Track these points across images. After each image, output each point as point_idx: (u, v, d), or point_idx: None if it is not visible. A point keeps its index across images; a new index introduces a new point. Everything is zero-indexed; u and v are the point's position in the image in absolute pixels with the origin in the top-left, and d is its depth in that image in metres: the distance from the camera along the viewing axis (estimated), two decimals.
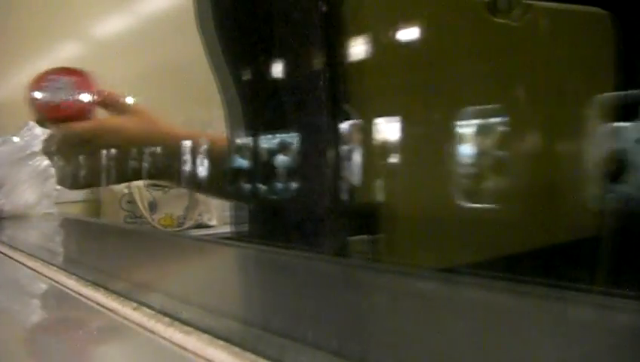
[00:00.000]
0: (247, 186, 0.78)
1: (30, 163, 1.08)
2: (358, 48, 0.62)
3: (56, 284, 0.47)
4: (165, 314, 0.33)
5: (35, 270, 0.53)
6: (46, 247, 0.77)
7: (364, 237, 0.62)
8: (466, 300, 0.37)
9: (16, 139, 1.09)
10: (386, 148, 0.64)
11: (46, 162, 1.09)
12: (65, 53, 1.40)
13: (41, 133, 1.05)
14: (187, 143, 0.85)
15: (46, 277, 0.49)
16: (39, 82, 0.82)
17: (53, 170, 1.07)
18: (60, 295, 0.45)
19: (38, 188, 1.08)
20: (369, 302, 0.38)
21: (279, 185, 0.71)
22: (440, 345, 0.28)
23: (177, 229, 1.26)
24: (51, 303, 0.46)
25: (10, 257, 0.62)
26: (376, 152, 0.64)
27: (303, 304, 0.38)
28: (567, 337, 0.29)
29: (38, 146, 1.06)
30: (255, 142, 0.76)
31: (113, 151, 0.85)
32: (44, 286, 0.49)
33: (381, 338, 0.31)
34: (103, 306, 0.38)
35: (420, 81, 0.63)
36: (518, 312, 0.34)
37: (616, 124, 0.60)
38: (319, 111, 0.63)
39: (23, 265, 0.56)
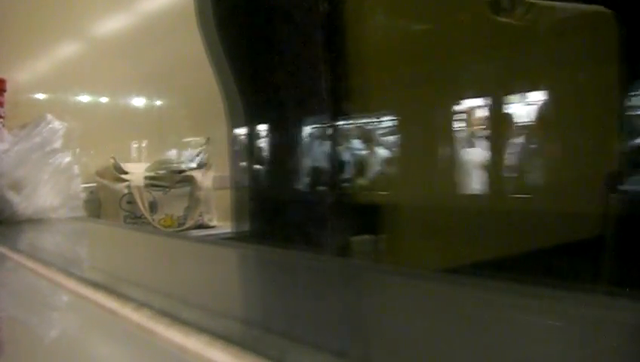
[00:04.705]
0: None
1: (51, 161, 0.97)
2: (358, 46, 0.62)
3: (55, 285, 0.46)
4: (165, 315, 0.33)
5: (46, 277, 0.53)
6: (61, 253, 0.76)
7: (366, 236, 0.62)
8: (468, 300, 0.37)
9: (58, 124, 0.97)
10: (388, 146, 0.63)
11: (67, 159, 0.99)
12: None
13: (60, 126, 0.98)
14: None
15: (46, 279, 0.49)
16: None
17: (76, 168, 1.00)
18: (60, 296, 0.45)
19: (61, 189, 0.97)
20: (370, 302, 0.38)
21: (279, 183, 0.71)
22: (440, 346, 0.28)
23: (178, 230, 1.26)
24: (52, 305, 0.46)
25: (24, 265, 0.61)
26: (378, 150, 0.64)
27: (303, 304, 0.37)
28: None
29: (58, 142, 0.97)
30: (255, 137, 0.75)
31: None
32: (46, 290, 0.49)
33: (381, 339, 0.30)
34: (103, 307, 0.38)
35: (422, 78, 0.63)
36: (513, 308, 0.33)
37: None
38: (319, 108, 0.62)
39: (35, 272, 0.56)
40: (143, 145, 1.48)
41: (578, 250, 0.59)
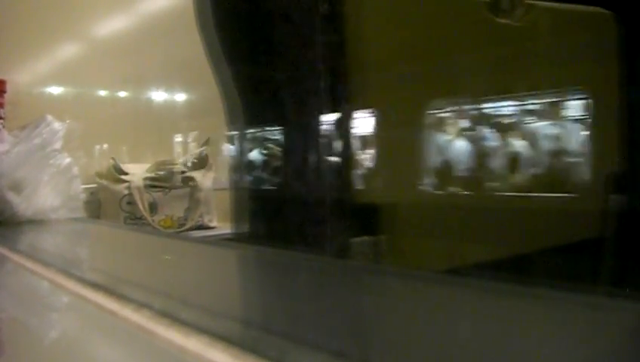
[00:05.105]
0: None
1: (51, 162, 0.96)
2: (358, 47, 0.62)
3: (55, 285, 0.46)
4: (165, 316, 0.33)
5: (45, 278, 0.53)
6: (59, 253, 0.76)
7: (366, 238, 0.62)
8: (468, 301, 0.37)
9: (58, 125, 0.97)
10: (388, 145, 0.63)
11: (67, 160, 0.99)
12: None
13: (60, 127, 0.98)
14: None
15: (45, 279, 0.49)
16: None
17: (76, 169, 1.00)
18: (60, 296, 0.45)
19: (62, 190, 0.97)
20: (370, 304, 0.38)
21: (278, 183, 0.70)
22: (440, 347, 0.28)
23: (178, 230, 1.26)
24: (52, 305, 0.46)
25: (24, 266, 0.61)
26: (379, 150, 0.64)
27: (303, 305, 0.37)
28: None
29: (58, 143, 0.97)
30: (254, 138, 0.75)
31: None
32: (46, 291, 0.49)
33: (381, 340, 0.30)
34: (103, 308, 0.38)
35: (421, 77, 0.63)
36: (510, 313, 0.33)
37: None
38: (319, 109, 0.62)
39: (32, 271, 0.56)
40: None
41: None
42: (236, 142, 0.82)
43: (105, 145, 1.37)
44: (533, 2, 0.67)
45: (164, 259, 0.63)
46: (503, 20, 0.64)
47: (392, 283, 0.44)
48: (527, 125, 0.74)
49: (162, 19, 1.46)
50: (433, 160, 0.71)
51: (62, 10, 1.30)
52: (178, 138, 1.55)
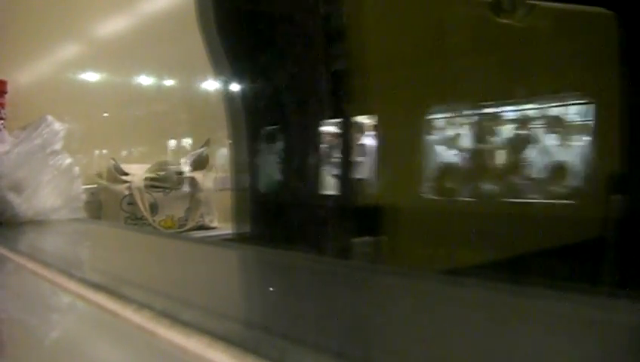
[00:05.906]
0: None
1: (52, 162, 0.96)
2: (358, 48, 0.62)
3: (56, 286, 0.46)
4: (166, 316, 0.33)
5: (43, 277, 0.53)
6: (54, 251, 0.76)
7: (367, 238, 0.62)
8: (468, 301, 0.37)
9: (58, 125, 0.97)
10: (389, 147, 0.63)
11: (68, 161, 0.99)
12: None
13: (60, 128, 0.98)
14: None
15: (46, 280, 0.49)
16: None
17: (77, 170, 1.00)
18: (60, 297, 0.45)
19: (62, 190, 0.97)
20: (370, 304, 0.38)
21: (279, 185, 0.70)
22: (440, 347, 0.28)
23: (179, 231, 1.26)
24: (52, 306, 0.46)
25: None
26: (379, 152, 0.64)
27: (303, 305, 0.37)
28: None
29: (58, 144, 0.97)
30: (255, 139, 0.75)
31: None
32: (47, 292, 0.49)
33: (381, 341, 0.30)
34: (104, 308, 0.38)
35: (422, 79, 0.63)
36: (507, 309, 0.33)
37: None
38: (320, 111, 0.62)
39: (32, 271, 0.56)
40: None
41: None
42: (236, 142, 0.82)
43: (105, 146, 1.37)
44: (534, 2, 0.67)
45: (165, 259, 0.63)
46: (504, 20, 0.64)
47: (393, 282, 0.44)
48: None
49: (162, 19, 1.46)
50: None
51: (62, 10, 1.30)
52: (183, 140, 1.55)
